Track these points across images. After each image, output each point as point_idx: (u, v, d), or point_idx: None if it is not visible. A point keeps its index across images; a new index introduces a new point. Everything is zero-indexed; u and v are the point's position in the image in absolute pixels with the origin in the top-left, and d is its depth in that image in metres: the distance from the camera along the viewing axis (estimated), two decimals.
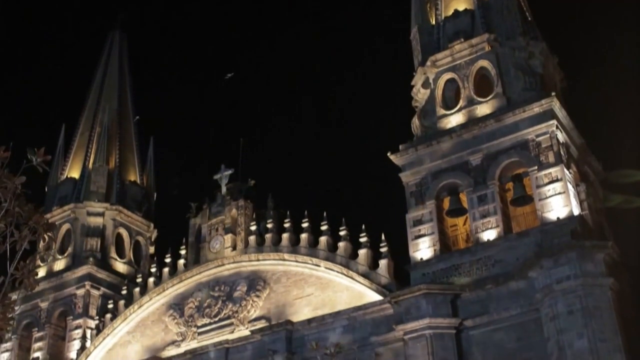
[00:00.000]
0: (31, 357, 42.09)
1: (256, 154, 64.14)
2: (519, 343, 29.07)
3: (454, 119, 34.85)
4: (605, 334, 26.81)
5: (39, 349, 42.74)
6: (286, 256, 36.47)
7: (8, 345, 43.36)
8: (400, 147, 34.96)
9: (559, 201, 30.38)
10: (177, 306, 39.17)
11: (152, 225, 49.17)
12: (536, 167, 31.33)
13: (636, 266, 29.55)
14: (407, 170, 34.54)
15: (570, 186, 30.83)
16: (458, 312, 30.60)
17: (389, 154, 34.95)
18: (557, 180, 30.75)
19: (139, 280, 41.73)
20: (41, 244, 11.06)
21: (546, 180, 30.97)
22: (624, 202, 30.06)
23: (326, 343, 28.13)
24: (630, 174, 29.63)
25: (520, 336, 29.12)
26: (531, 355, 28.60)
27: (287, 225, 37.32)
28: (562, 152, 31.50)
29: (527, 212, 32.69)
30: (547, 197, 30.70)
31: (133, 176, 50.14)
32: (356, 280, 33.79)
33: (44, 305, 43.89)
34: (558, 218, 30.04)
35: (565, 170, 30.97)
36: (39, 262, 44.56)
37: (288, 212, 37.73)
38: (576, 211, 30.26)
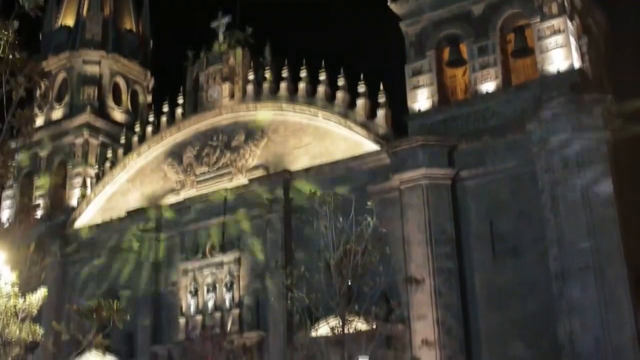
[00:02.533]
0: (33, 204, 42.82)
1: (254, 0, 62.70)
2: (513, 194, 29.50)
3: None
4: (599, 186, 27.15)
5: (40, 197, 43.39)
6: (284, 105, 36.41)
7: (9, 192, 44.03)
8: None
9: (560, 54, 30.02)
10: (175, 155, 39.48)
11: (149, 73, 48.81)
12: (538, 18, 30.75)
13: (634, 120, 29.50)
14: (407, 19, 33.91)
15: (572, 38, 30.36)
16: (454, 163, 30.85)
17: (389, 2, 34.23)
18: (559, 32, 30.26)
19: (137, 129, 41.83)
20: (37, 92, 10.98)
21: (548, 32, 30.48)
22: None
23: (323, 192, 28.50)
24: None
25: (515, 188, 29.51)
26: (525, 206, 29.07)
27: (285, 74, 37.05)
28: (565, 4, 30.81)
29: (528, 64, 32.36)
30: (548, 50, 30.31)
31: (129, 24, 49.27)
32: (354, 130, 33.89)
33: (43, 154, 44.22)
34: (558, 71, 29.78)
35: (568, 22, 30.42)
36: (36, 110, 44.49)
37: (286, 61, 37.38)
38: (577, 64, 29.96)
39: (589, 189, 27.16)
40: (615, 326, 25.76)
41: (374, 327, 19.75)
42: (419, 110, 32.43)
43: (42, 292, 19.34)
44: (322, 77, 35.67)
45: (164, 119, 40.47)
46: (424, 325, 28.78)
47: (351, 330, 18.71)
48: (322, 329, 19.97)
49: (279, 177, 34.72)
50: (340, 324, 18.48)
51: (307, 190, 31.93)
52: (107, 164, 41.83)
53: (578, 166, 27.47)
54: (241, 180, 36.35)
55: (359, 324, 19.21)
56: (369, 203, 26.38)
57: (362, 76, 34.59)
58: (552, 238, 27.53)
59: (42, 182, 43.48)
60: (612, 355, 25.45)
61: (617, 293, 26.13)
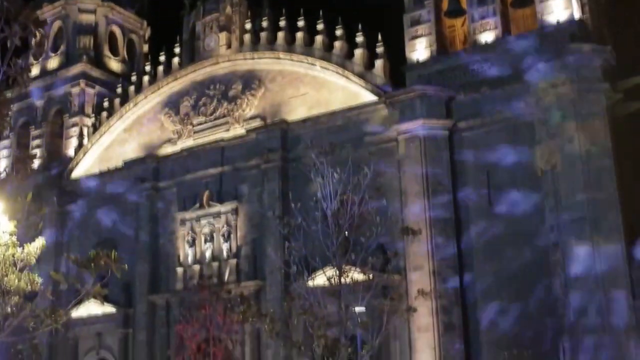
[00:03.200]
0: (29, 154, 42.73)
1: None
2: (510, 146, 29.43)
3: None
4: (596, 138, 27.10)
5: (37, 146, 43.29)
6: (281, 55, 36.15)
7: (6, 142, 43.89)
8: None
9: (560, 3, 29.73)
10: (172, 104, 39.32)
11: (145, 22, 48.32)
12: None
13: (632, 73, 29.34)
14: None
15: None
16: (452, 114, 30.77)
17: None
18: None
19: (133, 78, 41.56)
20: (33, 41, 10.87)
21: None
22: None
23: (321, 142, 28.41)
24: None
25: (512, 139, 29.44)
26: (522, 157, 29.03)
27: (282, 23, 36.71)
28: None
29: (527, 14, 32.02)
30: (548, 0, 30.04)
31: None
32: (351, 80, 33.71)
33: (39, 103, 44.01)
34: (558, 21, 29.53)
35: None
36: (31, 60, 44.19)
37: (283, 10, 37.00)
38: (577, 14, 29.68)
39: (586, 141, 27.11)
40: (610, 278, 25.94)
41: (371, 277, 19.82)
42: (417, 61, 32.23)
43: (40, 242, 19.37)
44: (320, 26, 35.37)
45: (160, 68, 40.21)
46: (420, 276, 29.01)
47: (348, 281, 18.78)
48: (319, 279, 20.07)
49: (276, 127, 34.64)
50: (337, 274, 18.55)
51: (305, 141, 32.02)
52: (104, 114, 41.66)
53: (576, 117, 27.38)
54: (238, 130, 36.27)
55: (356, 274, 19.28)
56: (366, 154, 26.42)
57: (360, 26, 34.32)
58: (548, 189, 27.59)
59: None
60: (606, 306, 25.66)
61: (612, 245, 26.25)
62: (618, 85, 29.11)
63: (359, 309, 19.10)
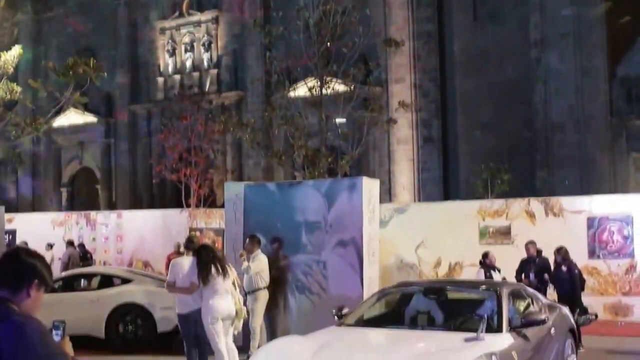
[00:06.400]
0: None
1: None
2: None
3: None
4: None
5: None
6: None
7: None
8: None
9: None
10: None
11: None
12: None
13: None
14: None
15: None
16: None
17: None
18: None
19: None
20: None
21: None
22: None
23: None
24: None
25: None
26: None
27: None
28: None
29: None
30: None
31: None
32: None
33: None
34: None
35: None
36: None
37: None
38: None
39: None
40: (590, 94, 26.10)
41: (352, 88, 19.76)
42: None
43: (17, 50, 19.04)
44: None
45: None
46: (401, 88, 29.05)
47: (329, 91, 18.72)
48: (300, 90, 20.00)
49: None
50: (319, 84, 18.44)
51: None
52: None
53: None
54: None
55: (337, 85, 19.19)
56: None
57: None
58: (534, 3, 27.16)
59: None
60: (583, 122, 26.00)
61: (595, 62, 26.21)
62: None
63: (339, 119, 19.18)
